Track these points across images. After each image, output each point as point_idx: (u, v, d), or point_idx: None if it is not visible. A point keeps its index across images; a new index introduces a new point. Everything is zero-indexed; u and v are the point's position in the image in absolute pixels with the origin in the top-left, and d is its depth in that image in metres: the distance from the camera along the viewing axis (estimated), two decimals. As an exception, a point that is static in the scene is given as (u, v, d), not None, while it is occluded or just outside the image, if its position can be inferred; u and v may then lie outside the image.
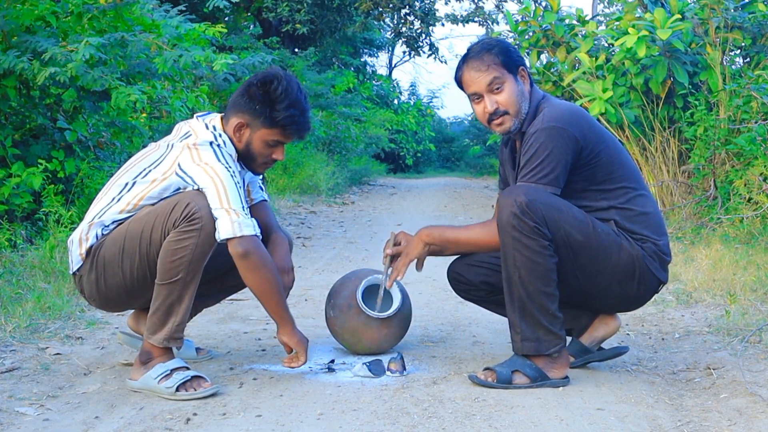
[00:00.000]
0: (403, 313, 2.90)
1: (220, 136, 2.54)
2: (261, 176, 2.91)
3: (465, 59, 2.62)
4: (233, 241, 2.39)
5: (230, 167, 2.47)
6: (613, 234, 2.54)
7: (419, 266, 2.75)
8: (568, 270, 2.52)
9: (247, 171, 2.72)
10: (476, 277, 2.81)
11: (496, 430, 2.17)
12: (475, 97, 2.61)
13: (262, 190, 2.89)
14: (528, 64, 7.39)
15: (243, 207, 2.43)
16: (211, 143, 2.50)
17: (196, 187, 2.45)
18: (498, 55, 2.57)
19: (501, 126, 2.60)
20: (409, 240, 2.72)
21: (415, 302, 3.65)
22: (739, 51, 6.92)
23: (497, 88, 2.57)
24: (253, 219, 2.46)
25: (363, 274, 2.91)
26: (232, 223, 2.38)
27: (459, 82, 2.66)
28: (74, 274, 2.62)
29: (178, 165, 2.49)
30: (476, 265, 2.81)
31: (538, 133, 2.50)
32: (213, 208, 2.40)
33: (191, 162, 2.47)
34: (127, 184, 2.57)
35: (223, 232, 2.39)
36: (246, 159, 2.62)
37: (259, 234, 2.45)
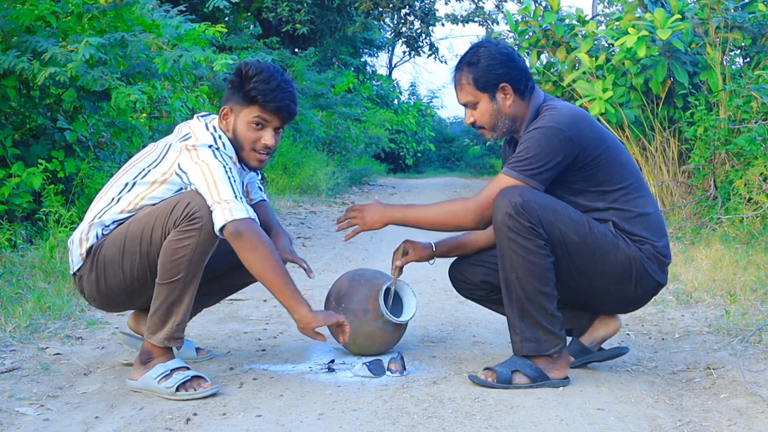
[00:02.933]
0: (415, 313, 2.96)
1: (220, 137, 2.53)
2: (260, 177, 2.91)
3: (455, 68, 2.69)
4: (227, 227, 2.36)
5: (226, 164, 2.45)
6: (610, 235, 2.54)
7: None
8: (565, 270, 2.52)
9: (248, 172, 2.72)
10: (476, 277, 2.81)
11: (496, 430, 2.17)
12: (462, 105, 2.71)
13: (261, 190, 2.89)
14: (528, 65, 7.41)
15: (235, 195, 2.39)
16: (210, 146, 2.49)
17: (191, 186, 2.45)
18: (473, 73, 2.60)
19: (483, 136, 2.72)
20: (370, 212, 2.67)
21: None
22: (739, 51, 6.92)
23: (473, 107, 2.64)
24: (245, 204, 2.41)
25: (370, 277, 2.91)
26: (222, 210, 2.36)
27: None
28: (74, 274, 2.62)
29: (178, 165, 2.49)
30: (477, 264, 2.81)
31: (535, 131, 2.53)
32: (208, 205, 2.39)
33: (190, 161, 2.47)
34: (127, 184, 2.57)
35: (217, 223, 2.36)
36: (238, 150, 2.58)
37: (253, 217, 2.40)
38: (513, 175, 2.51)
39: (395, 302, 2.92)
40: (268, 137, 2.57)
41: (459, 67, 2.66)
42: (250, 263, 2.41)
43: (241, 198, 2.41)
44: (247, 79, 2.53)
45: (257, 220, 2.43)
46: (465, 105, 2.66)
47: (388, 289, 2.87)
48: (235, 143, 2.57)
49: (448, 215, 2.60)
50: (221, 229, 2.37)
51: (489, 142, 10.71)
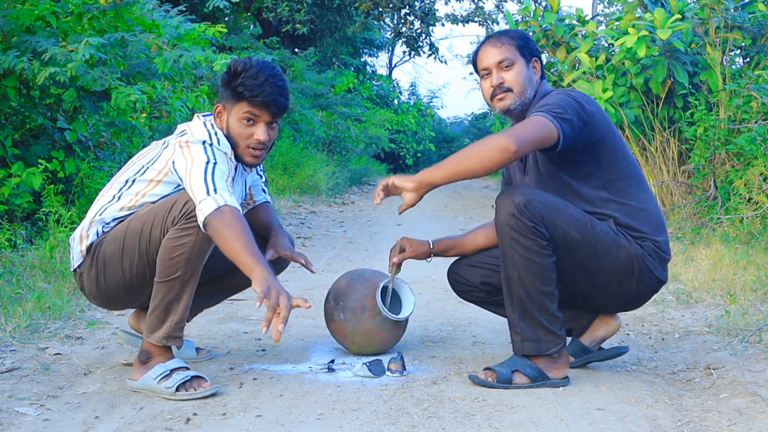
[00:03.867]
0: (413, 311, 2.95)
1: (216, 134, 2.53)
2: (264, 179, 2.91)
3: (484, 40, 2.72)
4: (205, 225, 2.32)
5: (212, 160, 2.42)
6: (612, 233, 2.54)
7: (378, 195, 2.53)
8: (567, 269, 2.52)
9: (249, 172, 2.72)
10: (476, 278, 2.81)
11: (496, 430, 2.17)
12: (485, 73, 2.68)
13: (264, 192, 2.89)
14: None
15: (207, 190, 2.34)
16: (203, 142, 2.47)
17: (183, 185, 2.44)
18: (515, 38, 2.66)
19: (501, 101, 2.64)
20: (407, 183, 2.50)
21: (416, 302, 3.65)
22: (739, 51, 6.92)
23: (507, 66, 2.63)
24: (218, 194, 2.33)
25: (369, 275, 2.91)
26: (197, 213, 2.34)
27: (474, 61, 2.73)
28: (75, 271, 2.62)
29: (173, 162, 2.49)
30: (476, 266, 2.81)
31: (548, 96, 2.56)
32: None
33: (181, 156, 2.46)
34: (127, 181, 2.58)
35: (200, 225, 2.35)
36: (233, 147, 2.56)
37: (222, 204, 2.31)
38: (543, 115, 2.43)
39: (394, 300, 2.91)
40: (260, 132, 2.55)
41: (497, 36, 2.68)
42: (219, 245, 2.31)
43: (215, 190, 2.34)
44: (236, 75, 2.52)
45: (230, 203, 2.33)
46: (499, 63, 2.63)
47: (385, 287, 2.86)
48: (230, 140, 2.56)
49: (484, 147, 2.39)
50: (203, 227, 2.34)
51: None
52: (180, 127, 2.60)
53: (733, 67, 6.77)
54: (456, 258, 2.89)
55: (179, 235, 2.39)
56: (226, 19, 14.13)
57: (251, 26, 15.18)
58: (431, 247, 2.85)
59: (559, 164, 2.57)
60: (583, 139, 2.51)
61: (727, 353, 2.90)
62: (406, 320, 2.93)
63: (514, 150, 2.35)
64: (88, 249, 2.56)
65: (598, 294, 2.63)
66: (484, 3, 15.55)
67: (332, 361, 2.78)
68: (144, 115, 6.17)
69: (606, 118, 2.61)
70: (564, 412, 2.31)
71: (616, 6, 11.31)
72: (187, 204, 2.39)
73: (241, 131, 2.54)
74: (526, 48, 2.66)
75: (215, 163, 2.41)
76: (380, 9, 14.30)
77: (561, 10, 7.58)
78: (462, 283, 2.85)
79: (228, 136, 2.55)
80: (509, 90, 2.62)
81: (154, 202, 2.52)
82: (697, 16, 6.41)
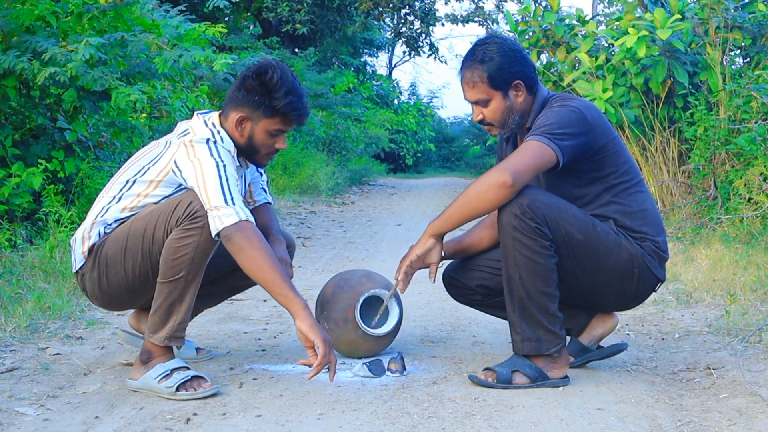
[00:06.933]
0: (398, 323, 2.87)
1: (218, 132, 2.53)
2: (265, 178, 2.91)
3: (463, 63, 2.64)
4: (220, 234, 2.35)
5: (221, 162, 2.42)
6: (613, 233, 2.55)
7: (432, 273, 2.61)
8: (568, 269, 2.53)
9: (247, 169, 2.72)
10: (473, 281, 2.79)
11: (496, 430, 2.17)
12: (469, 102, 2.68)
13: (265, 192, 2.88)
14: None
15: (225, 199, 2.36)
16: (207, 140, 2.48)
17: (186, 182, 2.44)
18: (488, 71, 2.56)
19: (489, 132, 2.70)
20: (425, 248, 2.59)
21: (416, 302, 3.66)
22: (739, 51, 6.92)
23: (483, 104, 2.61)
24: (237, 206, 2.36)
25: (355, 282, 2.83)
26: (213, 219, 2.35)
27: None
28: (77, 272, 2.62)
29: (174, 162, 2.49)
30: (472, 268, 2.79)
31: (551, 109, 2.53)
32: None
33: (186, 158, 2.46)
34: (127, 182, 2.57)
35: (212, 231, 2.36)
36: (249, 152, 2.59)
37: (243, 218, 2.35)
38: (539, 140, 2.44)
39: (384, 312, 2.82)
40: (283, 143, 2.62)
41: (470, 65, 2.59)
42: (241, 264, 2.37)
43: (232, 200, 2.37)
44: (273, 90, 2.51)
45: (250, 218, 2.38)
46: (475, 102, 2.62)
47: (374, 297, 2.81)
48: (249, 148, 2.58)
49: (482, 187, 2.45)
50: (216, 235, 2.37)
51: (489, 142, 10.70)
52: (181, 126, 2.60)
53: (733, 67, 6.77)
54: (450, 261, 2.86)
55: (183, 236, 2.39)
56: (226, 19, 14.14)
57: (251, 26, 15.19)
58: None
59: (560, 170, 2.56)
60: (587, 149, 2.52)
61: (727, 353, 2.90)
62: (392, 333, 2.86)
63: (509, 184, 2.40)
64: (90, 250, 2.56)
65: (599, 293, 2.63)
66: (484, 3, 15.59)
67: (332, 361, 2.77)
68: (144, 115, 6.17)
69: (606, 124, 2.60)
70: (564, 412, 2.31)
71: (616, 6, 11.31)
72: (191, 204, 2.39)
73: (266, 142, 2.58)
74: (500, 79, 2.56)
75: (225, 166, 2.43)
76: (380, 9, 14.32)
77: (561, 10, 7.57)
78: (459, 287, 2.84)
79: (248, 145, 2.57)
80: (491, 124, 2.63)
81: (156, 203, 2.52)
82: (697, 16, 6.41)
